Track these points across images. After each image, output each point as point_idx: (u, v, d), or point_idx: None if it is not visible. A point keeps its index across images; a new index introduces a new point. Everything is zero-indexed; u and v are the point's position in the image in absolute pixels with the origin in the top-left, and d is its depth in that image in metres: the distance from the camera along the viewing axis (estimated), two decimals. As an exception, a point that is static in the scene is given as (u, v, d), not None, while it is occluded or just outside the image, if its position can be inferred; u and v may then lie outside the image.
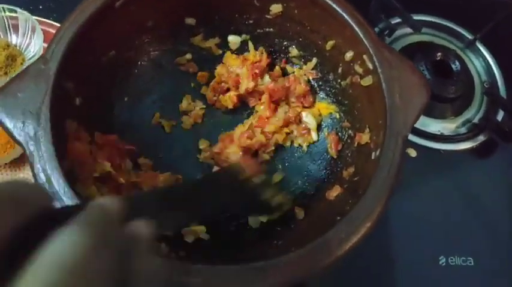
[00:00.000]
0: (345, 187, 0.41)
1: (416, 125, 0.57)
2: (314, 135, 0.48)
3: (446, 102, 0.60)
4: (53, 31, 0.61)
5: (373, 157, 0.38)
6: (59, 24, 0.59)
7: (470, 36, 0.66)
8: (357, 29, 0.39)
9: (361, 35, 0.39)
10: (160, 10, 0.45)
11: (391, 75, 0.37)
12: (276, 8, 0.46)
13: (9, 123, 0.32)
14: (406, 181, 0.55)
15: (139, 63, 0.47)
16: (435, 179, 0.57)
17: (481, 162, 0.60)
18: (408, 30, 0.64)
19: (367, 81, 0.41)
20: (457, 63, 0.60)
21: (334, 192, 0.41)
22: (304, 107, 0.49)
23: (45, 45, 0.58)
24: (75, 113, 0.38)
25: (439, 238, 0.53)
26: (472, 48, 0.66)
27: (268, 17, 0.47)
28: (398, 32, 0.65)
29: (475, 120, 0.61)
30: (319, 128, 0.49)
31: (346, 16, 0.40)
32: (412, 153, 0.57)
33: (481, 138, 0.60)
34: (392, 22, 0.63)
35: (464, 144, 0.59)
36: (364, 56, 0.40)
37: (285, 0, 0.44)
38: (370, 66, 0.39)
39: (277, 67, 0.51)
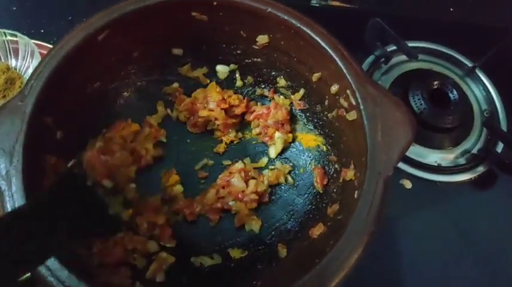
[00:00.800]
0: (328, 225, 0.40)
1: (412, 156, 0.57)
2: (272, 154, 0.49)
3: (444, 133, 0.59)
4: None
5: (355, 196, 0.36)
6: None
7: (469, 64, 0.65)
8: (340, 63, 0.38)
9: (344, 70, 0.38)
10: (146, 41, 0.45)
11: (374, 112, 0.36)
12: (262, 39, 0.45)
13: (-19, 161, 0.32)
14: (400, 214, 0.53)
15: (124, 93, 0.47)
16: (431, 212, 0.55)
17: (480, 194, 0.58)
18: (405, 57, 0.63)
19: (352, 115, 0.40)
20: (455, 92, 0.59)
21: (318, 230, 0.40)
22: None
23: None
24: (55, 147, 0.37)
25: (436, 274, 0.51)
26: (472, 76, 0.65)
27: (256, 47, 0.47)
28: (395, 59, 0.64)
29: (474, 151, 0.59)
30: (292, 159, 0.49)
31: (329, 50, 0.39)
32: (408, 185, 0.56)
33: (481, 169, 0.58)
34: (389, 49, 0.63)
35: (462, 175, 0.57)
36: (348, 91, 0.39)
37: (271, 31, 0.44)
38: (353, 101, 0.38)
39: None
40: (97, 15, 0.39)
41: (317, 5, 0.72)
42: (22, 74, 0.63)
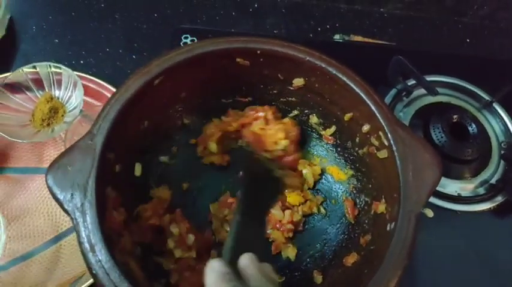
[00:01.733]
0: (362, 254, 0.43)
1: (436, 186, 0.60)
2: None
3: (464, 164, 0.62)
4: (92, 85, 0.67)
5: (388, 229, 0.40)
6: (97, 80, 0.66)
7: (487, 97, 0.68)
8: (373, 107, 0.42)
9: (377, 113, 0.42)
10: (194, 83, 0.49)
11: (404, 153, 0.40)
12: (298, 82, 0.50)
13: (59, 195, 0.36)
14: (422, 242, 0.56)
15: (173, 129, 0.52)
16: (452, 240, 0.58)
17: (499, 223, 0.60)
18: (425, 91, 0.66)
19: (383, 154, 0.43)
20: (474, 125, 0.62)
21: (352, 259, 0.43)
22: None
23: (85, 98, 0.64)
24: (114, 180, 0.42)
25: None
26: (489, 109, 0.68)
27: (291, 88, 0.51)
28: (416, 93, 0.68)
29: (493, 181, 0.62)
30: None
31: (362, 95, 0.43)
32: (430, 213, 0.58)
33: (499, 199, 0.60)
34: (409, 84, 0.67)
35: (482, 205, 0.60)
36: (380, 132, 0.43)
37: (307, 75, 0.48)
38: (385, 142, 0.42)
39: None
40: (153, 63, 0.44)
41: (340, 40, 0.77)
42: (64, 103, 0.67)
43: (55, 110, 0.66)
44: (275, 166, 0.47)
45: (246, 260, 0.32)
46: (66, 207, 0.36)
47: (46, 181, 0.37)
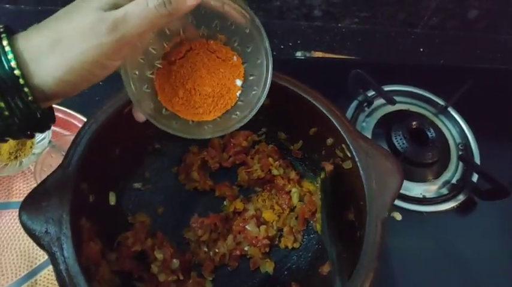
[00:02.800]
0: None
1: (400, 190, 0.63)
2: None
3: (426, 167, 0.65)
4: (60, 115, 0.67)
5: (358, 235, 0.42)
6: (65, 109, 0.66)
7: (442, 103, 0.73)
8: (334, 122, 0.45)
9: (339, 127, 0.45)
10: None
11: (367, 162, 0.43)
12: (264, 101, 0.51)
13: (34, 231, 0.36)
14: (393, 244, 0.59)
15: (145, 154, 0.53)
16: (420, 240, 0.60)
17: (463, 220, 0.63)
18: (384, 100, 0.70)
19: (347, 165, 0.46)
20: (432, 130, 0.66)
21: (326, 268, 0.45)
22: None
23: (54, 128, 0.64)
24: (89, 211, 0.42)
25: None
26: (445, 114, 0.73)
27: (258, 107, 0.53)
28: (376, 102, 0.72)
29: (454, 181, 0.66)
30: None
31: (324, 111, 0.46)
32: (398, 217, 0.62)
33: (461, 197, 0.64)
34: (369, 94, 0.70)
35: (446, 205, 0.64)
36: (343, 145, 0.45)
37: (272, 94, 0.50)
38: (348, 154, 0.44)
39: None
40: (123, 91, 0.45)
41: (302, 57, 0.80)
42: (32, 134, 0.67)
43: (23, 142, 0.65)
44: None
45: None
46: (41, 242, 0.36)
47: (19, 217, 0.36)
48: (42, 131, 0.32)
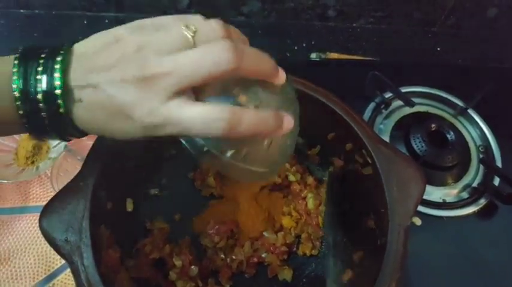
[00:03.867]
0: (356, 270, 0.44)
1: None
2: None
3: (445, 170, 0.64)
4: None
5: (379, 243, 0.41)
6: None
7: (461, 104, 0.71)
8: (354, 127, 0.44)
9: (358, 132, 0.44)
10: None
11: (388, 169, 0.42)
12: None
13: (54, 239, 0.36)
14: (412, 250, 0.58)
15: (161, 161, 0.53)
16: (441, 246, 0.59)
17: (484, 225, 0.62)
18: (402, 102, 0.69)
19: (367, 170, 0.45)
20: (451, 133, 0.65)
21: (346, 276, 0.44)
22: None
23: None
24: (107, 218, 0.42)
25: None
26: (465, 115, 0.71)
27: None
28: (394, 104, 0.70)
29: (474, 185, 0.64)
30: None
31: (343, 115, 0.45)
32: (417, 222, 0.60)
33: (482, 201, 0.63)
34: (387, 96, 0.69)
35: (466, 209, 0.62)
36: (363, 150, 0.44)
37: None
38: (369, 159, 0.43)
39: None
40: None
41: (317, 59, 0.79)
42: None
43: (39, 147, 0.66)
44: None
45: None
46: (62, 251, 0.36)
47: (40, 226, 0.36)
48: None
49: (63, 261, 0.55)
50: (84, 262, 0.35)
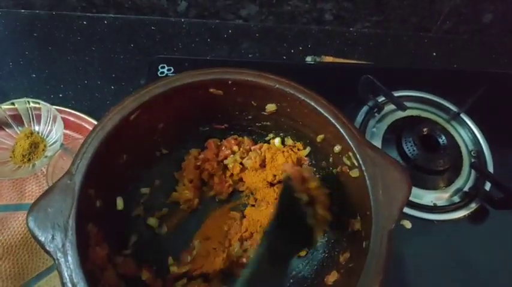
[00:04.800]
0: (342, 272, 0.44)
1: (410, 198, 0.61)
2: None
3: (437, 174, 0.64)
4: (72, 118, 0.68)
5: (364, 245, 0.41)
6: (77, 112, 0.67)
7: (454, 109, 0.72)
8: (341, 130, 0.45)
9: (345, 135, 0.44)
10: (170, 114, 0.51)
11: (374, 172, 0.42)
12: (270, 107, 0.52)
13: (40, 237, 0.37)
14: (402, 253, 0.58)
15: (152, 160, 0.53)
16: (431, 249, 0.59)
17: (475, 229, 0.62)
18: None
19: (355, 173, 0.45)
20: (443, 136, 0.65)
21: (332, 277, 0.45)
22: None
23: (65, 131, 0.65)
24: (96, 216, 0.43)
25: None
26: (458, 120, 0.71)
27: (265, 113, 0.53)
28: (387, 108, 0.71)
29: (466, 189, 0.64)
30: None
31: (330, 118, 0.45)
32: (407, 225, 0.60)
33: (473, 206, 0.63)
34: (380, 100, 0.69)
35: (457, 213, 0.62)
36: (350, 153, 0.45)
37: (278, 101, 0.50)
38: (355, 162, 0.44)
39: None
40: (130, 98, 0.45)
41: (312, 62, 0.80)
42: (45, 138, 0.68)
43: (35, 145, 0.66)
44: (310, 212, 0.44)
45: None
46: (47, 248, 0.37)
47: (27, 223, 0.37)
48: None
49: (48, 264, 0.56)
50: (69, 259, 0.36)
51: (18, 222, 0.59)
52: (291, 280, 0.50)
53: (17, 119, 0.66)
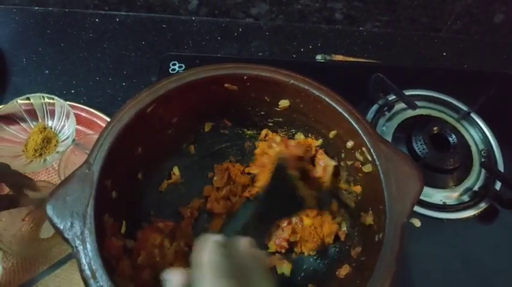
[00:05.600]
0: (353, 266, 0.45)
1: (420, 196, 0.62)
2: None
3: (447, 173, 0.64)
4: (84, 114, 0.69)
5: (376, 239, 0.42)
6: (89, 108, 0.67)
7: (465, 108, 0.72)
8: (355, 125, 0.45)
9: (359, 130, 0.45)
10: (184, 108, 0.51)
11: (387, 167, 0.42)
12: (284, 103, 0.52)
13: (59, 225, 0.37)
14: (411, 251, 0.58)
15: (165, 154, 0.54)
16: (440, 248, 0.59)
17: (484, 229, 0.62)
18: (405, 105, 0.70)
19: (368, 168, 0.46)
20: (454, 135, 0.65)
21: (344, 271, 0.45)
22: None
23: (77, 127, 0.65)
24: (111, 207, 0.43)
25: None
26: (468, 119, 0.71)
27: (277, 109, 0.53)
28: (397, 107, 0.71)
29: (476, 188, 0.64)
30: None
31: (344, 113, 0.46)
32: (417, 223, 0.61)
33: (483, 205, 0.63)
34: (390, 99, 0.70)
35: (467, 212, 0.62)
36: (363, 148, 0.45)
37: (292, 97, 0.51)
38: (369, 157, 0.44)
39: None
40: (145, 92, 0.46)
41: (322, 60, 0.80)
42: (57, 133, 0.69)
43: (48, 140, 0.67)
44: (302, 186, 0.49)
45: (246, 243, 0.36)
46: (66, 236, 0.37)
47: (45, 211, 0.38)
48: None
49: (63, 254, 0.56)
50: (88, 246, 0.37)
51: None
52: (303, 274, 0.50)
53: (32, 113, 0.67)
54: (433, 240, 0.60)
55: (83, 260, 0.36)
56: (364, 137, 0.44)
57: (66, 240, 0.37)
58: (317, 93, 0.47)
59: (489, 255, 0.59)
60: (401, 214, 0.40)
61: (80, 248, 0.37)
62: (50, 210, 0.38)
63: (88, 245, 0.37)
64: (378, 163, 0.43)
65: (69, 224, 0.37)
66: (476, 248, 0.60)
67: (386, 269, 0.37)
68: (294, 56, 0.81)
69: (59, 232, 0.38)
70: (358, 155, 0.47)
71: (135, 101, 0.45)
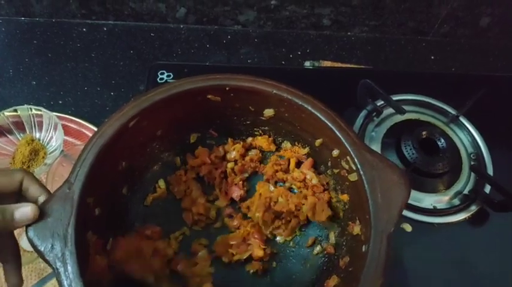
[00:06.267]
0: (342, 276, 0.44)
1: (410, 201, 0.62)
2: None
3: (436, 177, 0.64)
4: (72, 125, 0.68)
5: (363, 250, 0.41)
6: (77, 119, 0.67)
7: (453, 112, 0.72)
8: (338, 134, 0.45)
9: (343, 139, 0.44)
10: (168, 121, 0.51)
11: (372, 175, 0.42)
12: (268, 112, 0.52)
13: (40, 247, 0.37)
14: (402, 256, 0.58)
15: (151, 167, 0.53)
16: (431, 252, 0.59)
17: (475, 232, 0.62)
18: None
19: (353, 177, 0.45)
20: (443, 140, 0.65)
21: (332, 282, 0.44)
22: None
23: (66, 138, 0.65)
24: (94, 224, 0.43)
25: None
26: (457, 123, 0.71)
27: (263, 118, 0.53)
28: (385, 112, 0.71)
29: (466, 192, 0.64)
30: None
31: (328, 122, 0.45)
32: (408, 228, 0.60)
33: (473, 208, 0.63)
34: (379, 104, 0.69)
35: (457, 216, 0.62)
36: (348, 157, 0.45)
37: (276, 106, 0.50)
38: (353, 166, 0.44)
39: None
40: (129, 105, 0.45)
41: (310, 66, 0.80)
42: (45, 144, 0.68)
43: (35, 153, 0.67)
44: None
45: None
46: (47, 258, 0.36)
47: (26, 233, 0.37)
48: None
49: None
50: (68, 268, 0.36)
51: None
52: (291, 285, 0.49)
53: (19, 125, 0.66)
54: (425, 244, 0.60)
55: (64, 283, 0.36)
56: (347, 146, 0.44)
57: (47, 262, 0.37)
58: (300, 103, 0.46)
59: (481, 258, 0.59)
60: (388, 223, 0.39)
61: (61, 270, 0.36)
62: (30, 232, 0.37)
63: (69, 267, 0.36)
64: (361, 172, 0.42)
65: (49, 245, 0.37)
66: (467, 251, 0.60)
67: (373, 281, 0.37)
68: (283, 62, 0.81)
69: (39, 254, 0.37)
70: (343, 163, 0.47)
71: (118, 115, 0.45)
